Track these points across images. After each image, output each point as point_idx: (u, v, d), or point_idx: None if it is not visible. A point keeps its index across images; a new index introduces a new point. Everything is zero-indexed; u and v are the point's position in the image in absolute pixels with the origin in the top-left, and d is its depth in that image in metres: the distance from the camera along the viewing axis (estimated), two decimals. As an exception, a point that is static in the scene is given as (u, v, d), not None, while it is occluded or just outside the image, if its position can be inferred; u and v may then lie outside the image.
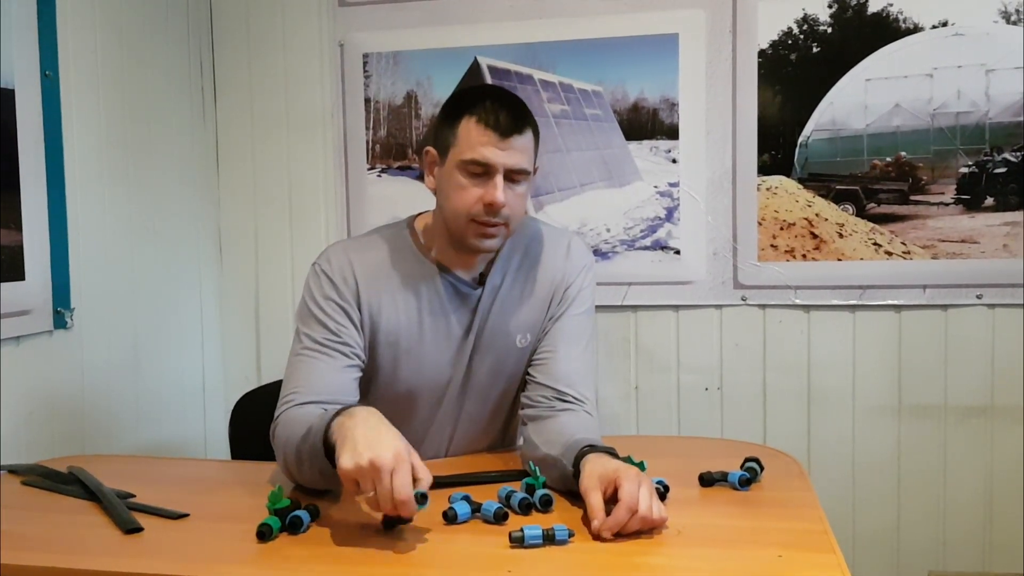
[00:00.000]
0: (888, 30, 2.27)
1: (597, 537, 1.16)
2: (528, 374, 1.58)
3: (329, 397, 1.43)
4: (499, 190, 1.41)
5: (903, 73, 2.27)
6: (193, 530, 1.27)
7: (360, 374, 1.51)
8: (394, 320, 1.52)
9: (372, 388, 1.54)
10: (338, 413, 1.23)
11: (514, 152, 1.42)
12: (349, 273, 1.51)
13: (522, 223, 1.61)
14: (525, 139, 1.43)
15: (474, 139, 1.41)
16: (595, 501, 1.19)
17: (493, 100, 1.43)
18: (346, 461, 1.14)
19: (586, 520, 1.21)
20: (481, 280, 1.55)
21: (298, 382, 1.45)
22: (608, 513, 1.17)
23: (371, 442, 1.14)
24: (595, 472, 1.24)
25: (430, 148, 1.51)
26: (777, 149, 2.34)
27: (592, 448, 1.31)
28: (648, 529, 1.18)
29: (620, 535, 1.16)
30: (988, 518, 2.31)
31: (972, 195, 2.26)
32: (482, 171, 1.42)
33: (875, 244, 2.31)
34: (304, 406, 1.41)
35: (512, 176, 1.43)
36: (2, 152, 1.82)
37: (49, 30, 1.95)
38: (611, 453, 1.30)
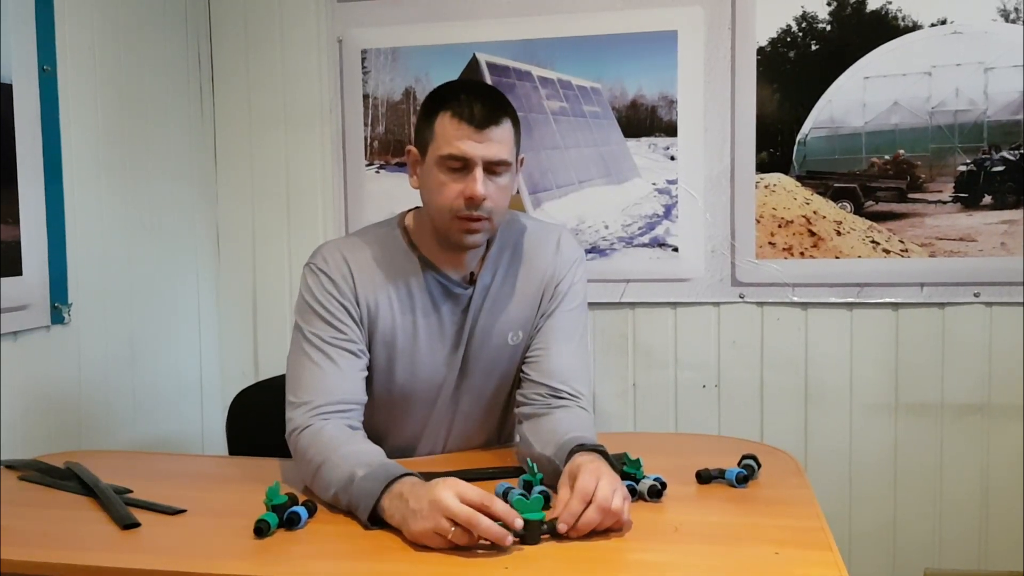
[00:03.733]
0: (887, 28, 2.27)
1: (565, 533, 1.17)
2: (522, 371, 1.58)
3: (344, 399, 1.44)
4: (478, 183, 1.40)
5: (902, 71, 2.27)
6: (190, 526, 1.28)
7: (366, 372, 1.51)
8: (389, 319, 1.52)
9: (368, 386, 1.53)
10: (388, 486, 1.22)
11: (492, 144, 1.40)
12: (346, 270, 1.50)
13: (511, 220, 1.60)
14: (502, 130, 1.42)
15: (450, 133, 1.40)
16: (561, 496, 1.21)
17: (468, 93, 1.42)
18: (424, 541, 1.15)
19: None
20: (471, 279, 1.55)
21: (312, 385, 1.44)
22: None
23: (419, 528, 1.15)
24: (567, 470, 1.26)
25: (411, 147, 1.50)
26: (775, 147, 2.34)
27: (581, 447, 1.31)
28: (614, 526, 1.18)
29: (593, 533, 1.17)
30: (984, 516, 2.32)
31: (970, 193, 2.26)
32: (461, 165, 1.41)
33: (873, 242, 2.31)
34: (328, 418, 1.41)
35: (492, 168, 1.42)
36: (0, 147, 1.82)
37: (47, 25, 1.94)
38: (600, 451, 1.30)
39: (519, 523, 1.13)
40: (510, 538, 1.12)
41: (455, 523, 1.11)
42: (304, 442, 1.38)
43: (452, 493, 1.12)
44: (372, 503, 1.21)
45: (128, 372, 2.23)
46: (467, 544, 1.12)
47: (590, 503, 1.16)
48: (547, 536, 1.16)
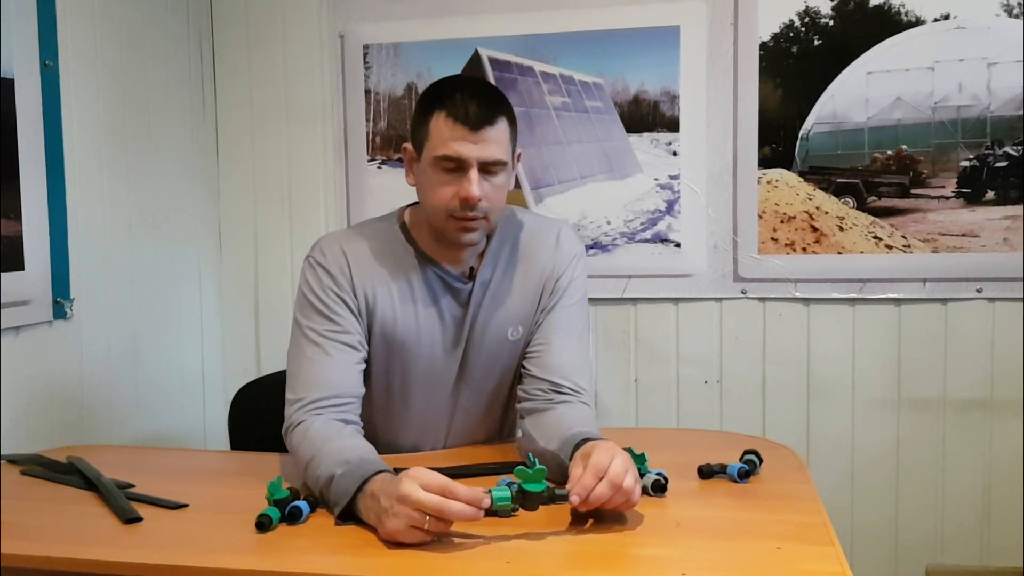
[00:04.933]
0: (890, 23, 2.26)
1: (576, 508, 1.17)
2: (523, 367, 1.57)
3: (339, 392, 1.44)
4: (473, 185, 1.39)
5: (904, 66, 2.26)
6: (192, 520, 1.28)
7: (364, 365, 1.51)
8: (389, 312, 1.52)
9: (368, 381, 1.53)
10: (361, 486, 1.22)
11: (487, 144, 1.40)
12: (344, 263, 1.50)
13: (511, 215, 1.60)
14: (498, 130, 1.41)
15: (445, 134, 1.39)
16: (574, 473, 1.20)
17: (463, 92, 1.41)
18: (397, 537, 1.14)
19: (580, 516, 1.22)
20: (471, 274, 1.55)
21: (307, 380, 1.44)
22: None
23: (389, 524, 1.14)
24: (579, 453, 1.26)
25: (407, 145, 1.50)
26: (778, 142, 2.34)
27: (587, 441, 1.31)
28: (623, 507, 1.19)
29: (600, 518, 1.17)
30: (986, 512, 2.32)
31: (973, 189, 2.25)
32: (455, 166, 1.40)
33: (875, 237, 2.31)
34: (321, 413, 1.41)
35: (488, 168, 1.41)
36: (2, 142, 1.82)
37: (49, 20, 1.94)
38: None
39: (486, 502, 1.13)
40: (481, 513, 1.12)
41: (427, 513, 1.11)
42: (295, 439, 1.39)
43: (416, 485, 1.12)
44: (346, 503, 1.22)
45: (130, 367, 2.23)
46: (443, 531, 1.13)
47: (603, 478, 1.16)
48: (547, 503, 1.17)
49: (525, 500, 1.16)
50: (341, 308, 1.48)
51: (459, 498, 1.11)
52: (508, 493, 1.15)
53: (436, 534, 1.13)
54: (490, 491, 1.14)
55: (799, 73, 2.31)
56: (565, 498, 1.16)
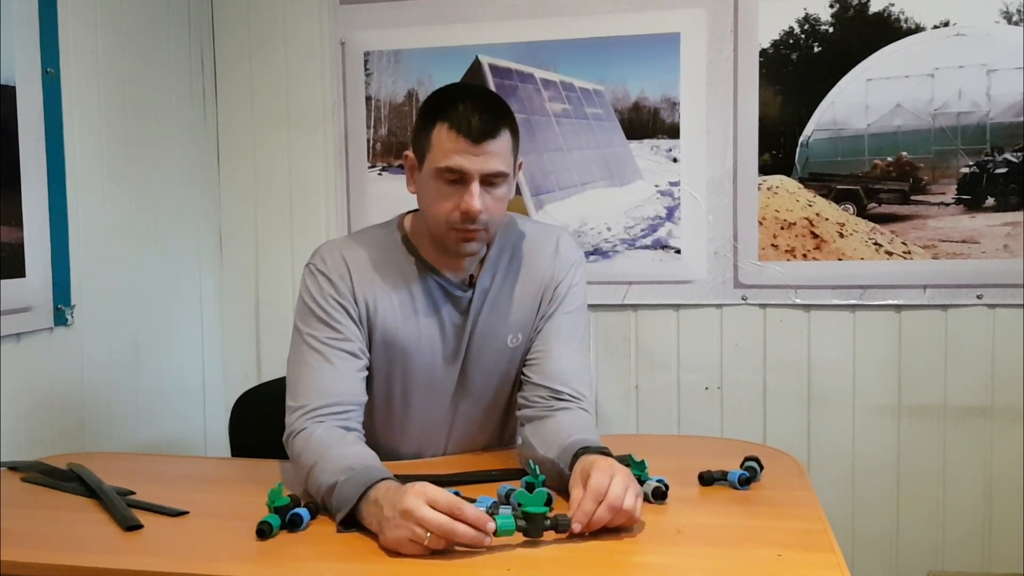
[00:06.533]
0: (889, 30, 2.27)
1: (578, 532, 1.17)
2: (523, 374, 1.57)
3: (341, 400, 1.43)
4: (475, 198, 1.39)
5: (904, 73, 2.27)
6: (193, 527, 1.28)
7: (366, 372, 1.51)
8: (390, 319, 1.52)
9: (368, 389, 1.53)
10: (364, 493, 1.22)
11: (489, 157, 1.39)
12: (344, 270, 1.50)
13: (510, 222, 1.60)
14: (500, 142, 1.40)
15: (447, 146, 1.39)
16: (574, 495, 1.20)
17: (466, 104, 1.40)
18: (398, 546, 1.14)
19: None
20: (471, 282, 1.55)
21: (309, 387, 1.44)
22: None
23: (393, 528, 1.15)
24: (578, 469, 1.26)
25: (408, 153, 1.50)
26: (778, 148, 2.34)
27: (586, 450, 1.31)
28: (626, 523, 1.18)
29: (603, 530, 1.17)
30: (987, 518, 2.31)
31: (973, 195, 2.26)
32: (457, 178, 1.40)
33: (876, 244, 2.31)
34: (323, 420, 1.41)
35: (489, 180, 1.41)
36: (3, 149, 1.82)
37: (50, 27, 1.95)
38: (605, 453, 1.30)
39: (491, 526, 1.12)
40: (488, 539, 1.12)
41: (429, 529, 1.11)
42: (297, 447, 1.39)
43: (422, 501, 1.12)
44: (349, 509, 1.22)
45: (131, 374, 2.23)
46: (442, 548, 1.12)
47: (603, 501, 1.16)
48: (550, 531, 1.16)
49: (528, 525, 1.15)
50: (342, 315, 1.48)
51: (466, 518, 1.11)
52: (512, 519, 1.14)
53: (435, 550, 1.13)
54: (495, 517, 1.14)
55: (799, 80, 2.32)
56: (567, 525, 1.16)
